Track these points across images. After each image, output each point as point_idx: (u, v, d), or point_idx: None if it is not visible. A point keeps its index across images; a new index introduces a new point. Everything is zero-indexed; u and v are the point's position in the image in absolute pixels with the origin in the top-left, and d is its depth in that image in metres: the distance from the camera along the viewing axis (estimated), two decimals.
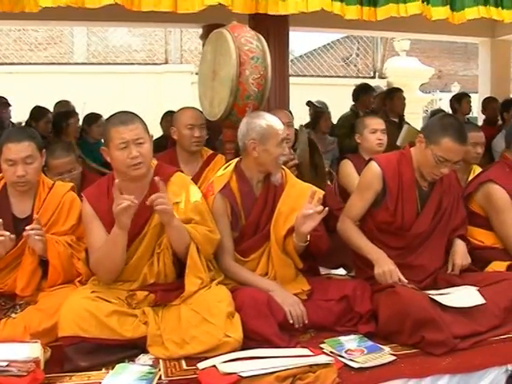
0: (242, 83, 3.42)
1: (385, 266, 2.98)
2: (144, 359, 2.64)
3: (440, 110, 7.60)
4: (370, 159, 3.32)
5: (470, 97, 7.27)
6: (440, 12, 3.89)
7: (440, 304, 2.85)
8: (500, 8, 4.05)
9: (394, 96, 6.76)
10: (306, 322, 2.86)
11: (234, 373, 2.39)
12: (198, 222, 2.93)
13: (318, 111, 6.79)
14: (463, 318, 2.86)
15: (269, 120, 3.13)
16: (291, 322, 2.82)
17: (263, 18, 3.88)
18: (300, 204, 3.01)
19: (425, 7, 3.89)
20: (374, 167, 3.24)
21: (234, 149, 3.71)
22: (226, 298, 2.78)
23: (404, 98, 6.85)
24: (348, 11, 3.78)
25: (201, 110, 3.92)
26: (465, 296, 2.98)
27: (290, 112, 4.28)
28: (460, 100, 7.20)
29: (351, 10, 3.76)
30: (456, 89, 16.36)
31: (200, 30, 6.29)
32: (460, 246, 3.29)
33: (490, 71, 7.98)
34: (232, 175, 3.16)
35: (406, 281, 2.96)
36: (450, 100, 7.48)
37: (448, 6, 3.95)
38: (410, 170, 3.22)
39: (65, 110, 6.38)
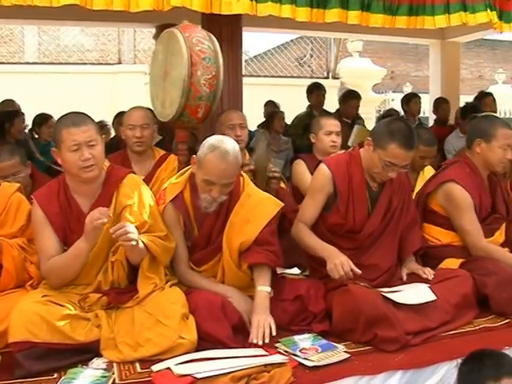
0: (193, 84, 3.40)
1: (336, 259, 2.97)
2: (97, 363, 2.59)
3: (393, 111, 7.67)
4: (320, 162, 3.34)
5: (419, 97, 7.34)
6: (378, 19, 3.93)
7: (392, 301, 2.90)
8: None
9: (347, 100, 6.78)
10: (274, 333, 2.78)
11: (189, 374, 2.38)
12: (152, 225, 2.89)
13: (272, 111, 6.81)
14: (415, 315, 2.92)
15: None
16: (254, 341, 2.72)
17: (216, 18, 3.88)
18: (255, 214, 3.00)
19: (363, 15, 3.92)
20: (323, 170, 3.25)
21: (186, 149, 3.69)
22: (180, 300, 2.76)
23: (357, 105, 6.85)
24: (298, 13, 3.79)
25: (152, 110, 3.89)
26: (416, 293, 3.04)
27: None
28: (409, 101, 7.27)
29: (301, 12, 3.78)
30: (408, 89, 16.62)
31: (153, 30, 6.24)
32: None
33: (440, 72, 8.13)
34: (186, 185, 3.09)
35: (359, 271, 2.96)
36: (400, 101, 7.57)
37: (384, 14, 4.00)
38: (359, 171, 3.25)
39: (8, 110, 6.17)
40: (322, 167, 3.27)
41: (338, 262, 2.95)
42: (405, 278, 3.26)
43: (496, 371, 2.34)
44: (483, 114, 5.08)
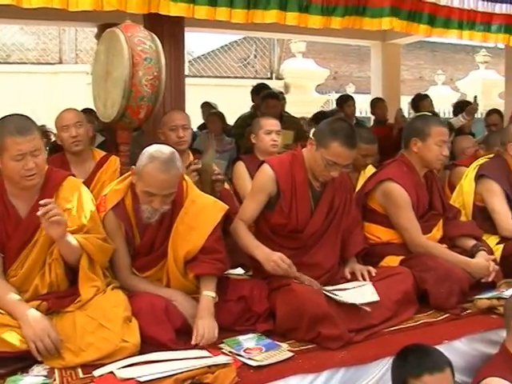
0: (135, 84, 3.35)
1: (271, 259, 2.98)
2: (38, 370, 2.53)
3: (323, 112, 7.69)
4: (263, 162, 3.36)
5: (352, 99, 7.42)
6: (316, 21, 3.96)
7: (335, 300, 2.94)
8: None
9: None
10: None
11: (132, 378, 2.35)
12: (91, 229, 2.85)
13: (208, 115, 6.79)
14: (357, 312, 2.96)
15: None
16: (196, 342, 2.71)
17: (158, 18, 3.84)
18: (200, 221, 2.97)
19: (301, 16, 3.94)
20: (266, 170, 3.26)
21: (128, 151, 3.65)
22: (122, 303, 2.72)
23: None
24: (234, 15, 3.77)
25: (94, 110, 3.84)
26: (360, 293, 3.09)
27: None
28: (342, 103, 7.34)
29: (237, 14, 3.76)
30: (351, 90, 16.87)
31: (95, 30, 6.15)
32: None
33: (381, 73, 8.28)
34: (127, 192, 3.02)
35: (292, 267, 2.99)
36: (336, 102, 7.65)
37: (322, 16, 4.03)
38: (302, 171, 3.27)
39: None
40: (265, 167, 3.28)
41: (276, 259, 2.97)
42: (348, 277, 3.29)
43: (417, 368, 2.40)
44: (418, 113, 5.22)
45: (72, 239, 2.71)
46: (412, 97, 7.52)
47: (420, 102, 7.12)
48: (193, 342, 2.67)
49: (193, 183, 3.24)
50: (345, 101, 7.37)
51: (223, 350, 2.70)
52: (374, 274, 3.27)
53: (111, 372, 2.43)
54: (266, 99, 6.35)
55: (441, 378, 2.39)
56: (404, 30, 4.24)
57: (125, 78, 3.32)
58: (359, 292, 3.11)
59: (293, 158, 3.32)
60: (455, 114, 7.16)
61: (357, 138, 3.20)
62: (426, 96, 7.32)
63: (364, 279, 3.25)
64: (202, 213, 3.02)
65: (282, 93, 7.48)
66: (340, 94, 9.16)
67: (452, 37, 4.48)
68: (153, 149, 2.91)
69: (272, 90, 6.99)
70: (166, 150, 2.91)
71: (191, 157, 3.90)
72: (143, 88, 3.37)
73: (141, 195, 2.90)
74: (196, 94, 6.88)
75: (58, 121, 3.82)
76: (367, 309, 2.94)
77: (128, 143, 3.66)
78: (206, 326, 2.72)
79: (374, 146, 4.37)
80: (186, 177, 3.23)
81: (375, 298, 3.04)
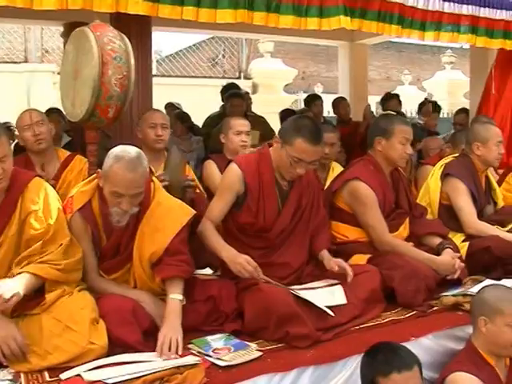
0: (104, 84, 3.32)
1: (236, 261, 2.98)
2: (3, 374, 2.48)
3: (288, 110, 7.71)
4: (231, 161, 3.36)
5: (320, 98, 7.46)
6: (287, 21, 3.97)
7: (303, 300, 2.95)
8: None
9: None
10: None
11: (99, 380, 2.34)
12: (57, 231, 2.80)
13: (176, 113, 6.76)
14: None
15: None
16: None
17: (125, 17, 3.80)
18: (165, 224, 2.95)
19: (270, 16, 3.94)
20: (234, 169, 3.26)
21: (96, 151, 3.62)
22: (89, 305, 2.70)
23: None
24: (201, 15, 3.75)
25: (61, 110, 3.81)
26: (328, 294, 3.11)
27: None
28: (310, 102, 7.38)
29: (204, 13, 3.73)
30: (319, 89, 16.92)
31: (62, 28, 6.07)
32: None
33: (348, 73, 8.32)
34: (94, 194, 2.99)
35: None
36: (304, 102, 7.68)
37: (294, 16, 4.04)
38: (269, 169, 3.28)
39: None
40: (233, 166, 3.28)
41: (242, 261, 2.96)
42: (336, 269, 3.20)
43: (386, 367, 2.43)
44: (383, 113, 5.28)
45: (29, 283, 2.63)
46: (380, 96, 7.59)
47: (387, 101, 7.19)
48: (156, 355, 2.62)
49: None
50: (313, 100, 7.42)
51: (192, 351, 2.70)
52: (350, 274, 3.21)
53: (78, 375, 2.41)
54: (231, 98, 6.38)
55: (409, 376, 2.42)
56: (375, 31, 4.26)
57: (94, 77, 3.29)
58: (328, 293, 3.12)
59: (260, 156, 3.32)
60: (419, 113, 7.27)
61: (321, 135, 3.21)
62: (394, 95, 7.39)
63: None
64: (168, 215, 3.00)
65: (247, 93, 7.48)
66: (308, 94, 9.20)
67: (421, 38, 4.50)
68: (118, 149, 2.89)
69: (236, 90, 7.00)
70: (131, 149, 2.89)
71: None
72: (112, 87, 3.34)
73: (109, 197, 2.87)
74: (164, 93, 6.84)
75: (19, 121, 3.80)
76: (331, 313, 2.94)
77: (96, 143, 3.63)
78: (168, 337, 2.66)
79: (337, 134, 4.58)
80: (154, 178, 3.21)
81: (343, 300, 3.06)
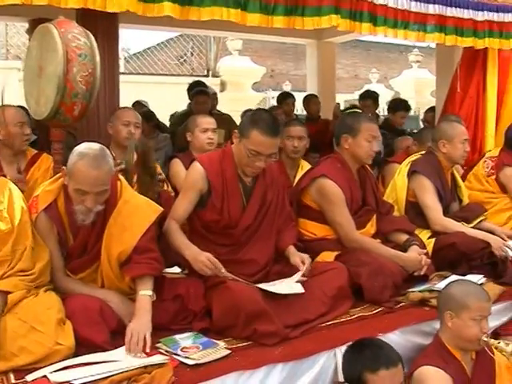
0: (69, 81, 3.28)
1: (198, 260, 2.98)
2: None
3: (249, 110, 7.73)
4: (193, 159, 3.35)
5: (292, 97, 7.48)
6: (255, 19, 3.96)
7: (269, 293, 2.97)
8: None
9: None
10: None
11: (66, 381, 2.32)
12: (20, 232, 2.75)
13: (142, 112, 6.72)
14: (293, 308, 3.00)
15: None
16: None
17: (91, 13, 3.76)
18: (132, 222, 2.93)
19: (240, 14, 3.93)
20: (197, 167, 3.25)
21: (62, 149, 3.58)
22: (55, 305, 2.66)
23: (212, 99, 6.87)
24: (167, 9, 3.71)
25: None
26: (288, 285, 3.11)
27: None
28: (282, 100, 7.39)
29: (172, 7, 3.70)
30: (288, 87, 16.98)
31: (27, 25, 5.98)
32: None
33: (316, 71, 8.35)
34: (59, 193, 2.94)
35: (221, 266, 2.98)
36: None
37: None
38: (232, 166, 3.27)
39: None
40: (196, 164, 3.27)
41: (204, 260, 2.96)
42: (301, 266, 3.18)
43: (374, 363, 2.46)
44: (348, 111, 5.33)
45: None
46: (348, 94, 7.64)
47: (365, 99, 7.21)
48: (125, 351, 2.60)
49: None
50: (284, 98, 7.43)
51: (160, 350, 2.68)
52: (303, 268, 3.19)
53: (45, 376, 2.39)
54: (196, 96, 6.41)
55: (395, 372, 2.48)
56: (347, 29, 4.29)
57: (59, 74, 3.24)
58: (288, 284, 3.12)
59: (222, 154, 3.32)
60: (389, 111, 7.31)
61: (278, 127, 3.20)
62: (372, 94, 7.44)
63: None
64: (136, 213, 2.98)
65: (214, 93, 7.45)
66: (280, 92, 9.22)
67: (394, 36, 4.55)
68: (82, 146, 2.86)
69: (201, 87, 6.99)
70: (95, 146, 2.86)
71: (135, 156, 3.88)
72: (78, 85, 3.30)
73: (73, 195, 2.84)
74: (133, 91, 6.79)
75: (10, 116, 3.74)
76: (301, 290, 2.99)
77: (61, 141, 3.58)
78: (136, 334, 2.63)
79: (305, 128, 4.62)
80: (121, 177, 3.19)
81: (300, 290, 3.05)
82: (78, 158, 2.79)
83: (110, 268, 2.93)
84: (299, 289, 3.07)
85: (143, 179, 3.71)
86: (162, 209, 3.09)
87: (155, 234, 3.05)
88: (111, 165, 2.90)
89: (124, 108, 4.19)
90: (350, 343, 2.74)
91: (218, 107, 7.27)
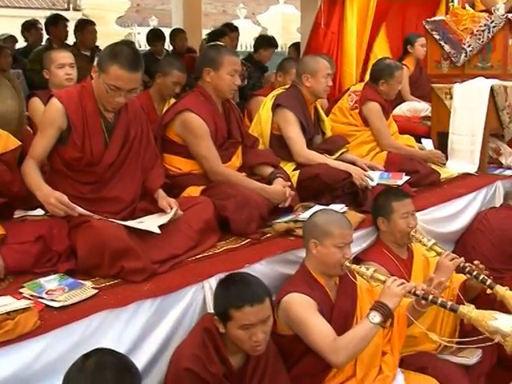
0: None
1: (49, 201, 2.90)
2: None
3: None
4: (51, 95, 3.19)
5: (184, 32, 7.43)
6: None
7: (136, 230, 2.96)
8: None
9: (84, 29, 6.60)
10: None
11: None
12: None
13: None
14: (160, 243, 3.00)
15: None
16: None
17: None
18: None
19: None
20: (55, 103, 3.09)
21: None
22: None
23: (95, 32, 6.72)
24: None
25: None
26: (151, 221, 3.11)
27: None
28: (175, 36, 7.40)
29: None
30: (154, 23, 16.52)
31: None
32: None
33: (182, 6, 8.20)
34: None
35: (73, 205, 2.91)
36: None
37: None
38: (92, 102, 3.14)
39: None
40: (53, 101, 3.11)
41: (57, 198, 2.88)
42: (168, 210, 3.17)
43: (239, 300, 2.51)
44: (210, 43, 5.29)
45: None
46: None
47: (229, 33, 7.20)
48: None
49: None
50: (176, 34, 7.44)
51: (24, 295, 2.59)
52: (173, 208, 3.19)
53: None
54: (85, 25, 6.66)
55: (261, 308, 2.52)
56: None
57: None
58: (151, 221, 3.12)
59: (82, 89, 3.17)
60: (255, 47, 7.33)
61: (139, 62, 3.08)
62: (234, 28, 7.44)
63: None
64: None
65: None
66: (149, 29, 9.02)
67: None
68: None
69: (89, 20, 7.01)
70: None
71: None
72: None
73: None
74: None
75: None
76: (157, 231, 2.98)
77: None
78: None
79: (185, 75, 4.59)
80: None
81: (156, 230, 3.02)
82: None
83: None
84: (156, 229, 3.03)
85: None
86: (19, 143, 2.97)
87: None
88: None
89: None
90: (221, 278, 2.78)
91: None
